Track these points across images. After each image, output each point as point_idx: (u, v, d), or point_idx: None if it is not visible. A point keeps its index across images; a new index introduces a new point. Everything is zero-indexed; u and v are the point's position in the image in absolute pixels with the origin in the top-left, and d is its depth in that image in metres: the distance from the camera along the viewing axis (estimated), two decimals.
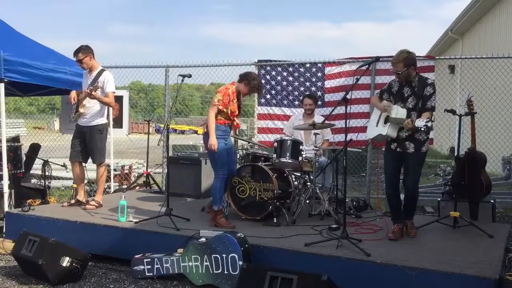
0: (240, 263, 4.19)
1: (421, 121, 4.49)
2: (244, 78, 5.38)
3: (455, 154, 5.83)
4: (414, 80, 4.82)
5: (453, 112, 5.46)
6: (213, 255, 4.35)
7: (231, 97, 5.24)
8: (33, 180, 8.51)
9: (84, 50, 6.02)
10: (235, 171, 5.64)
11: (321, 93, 8.04)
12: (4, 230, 5.74)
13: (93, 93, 5.84)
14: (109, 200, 6.42)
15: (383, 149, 5.05)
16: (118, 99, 8.33)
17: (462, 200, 5.64)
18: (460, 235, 5.09)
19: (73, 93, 6.07)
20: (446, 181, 6.84)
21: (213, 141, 5.12)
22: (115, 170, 9.02)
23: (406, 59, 4.71)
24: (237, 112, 5.37)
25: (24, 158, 7.55)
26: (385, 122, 4.86)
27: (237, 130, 6.00)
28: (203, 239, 4.53)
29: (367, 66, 5.01)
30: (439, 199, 6.20)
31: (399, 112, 4.78)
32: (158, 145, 5.56)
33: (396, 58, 4.75)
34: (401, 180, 5.10)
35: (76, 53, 6.03)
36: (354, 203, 6.42)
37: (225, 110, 5.22)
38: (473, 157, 5.65)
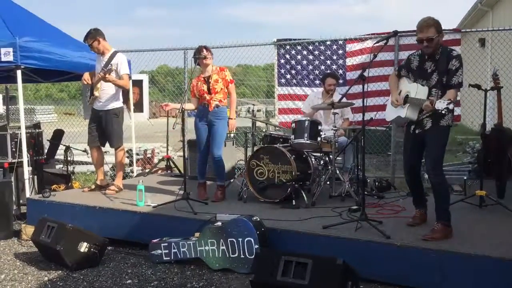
0: (256, 247, 4.14)
1: (442, 102, 3.83)
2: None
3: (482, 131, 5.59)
4: (437, 52, 4.17)
5: (478, 87, 5.23)
6: (229, 239, 4.30)
7: (194, 83, 5.80)
8: (58, 166, 8.62)
9: (92, 34, 5.92)
10: (214, 152, 5.71)
11: (343, 71, 7.83)
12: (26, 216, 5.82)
13: (107, 76, 5.78)
14: (130, 184, 6.42)
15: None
16: (138, 83, 8.33)
17: (489, 178, 5.42)
18: (487, 215, 4.92)
19: (86, 74, 6.02)
20: (474, 158, 6.60)
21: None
22: (137, 154, 9.04)
23: (437, 23, 4.11)
24: (206, 91, 5.66)
25: (48, 144, 7.65)
26: (404, 103, 4.31)
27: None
28: (219, 223, 4.47)
29: (385, 41, 4.67)
30: (465, 178, 5.99)
31: (419, 91, 4.20)
32: (174, 128, 5.50)
33: (425, 22, 4.11)
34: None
35: (85, 39, 5.97)
36: (377, 183, 6.27)
37: (195, 96, 5.79)
38: (499, 133, 5.42)
